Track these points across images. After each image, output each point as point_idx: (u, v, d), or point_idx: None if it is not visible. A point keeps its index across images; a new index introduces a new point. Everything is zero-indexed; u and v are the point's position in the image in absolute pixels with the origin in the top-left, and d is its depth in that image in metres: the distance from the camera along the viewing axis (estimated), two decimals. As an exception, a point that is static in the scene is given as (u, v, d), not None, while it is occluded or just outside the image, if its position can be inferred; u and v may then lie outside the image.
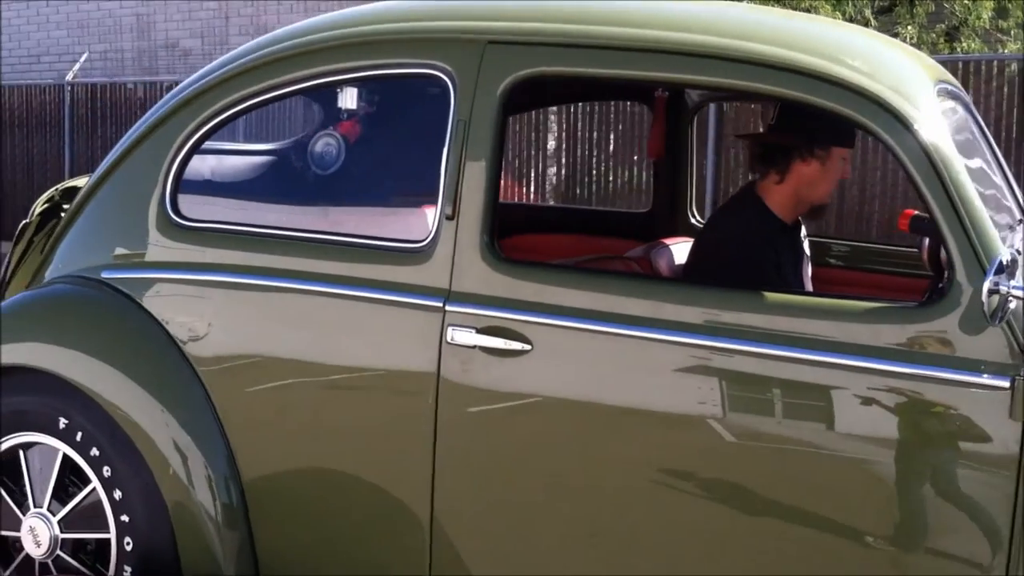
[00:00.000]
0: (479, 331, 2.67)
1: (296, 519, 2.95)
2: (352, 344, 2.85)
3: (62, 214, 3.59)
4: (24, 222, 3.54)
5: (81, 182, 3.78)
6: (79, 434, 3.05)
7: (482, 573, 2.76)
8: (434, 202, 2.76)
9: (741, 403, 2.50)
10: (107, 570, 3.12)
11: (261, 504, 2.97)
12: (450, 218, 2.72)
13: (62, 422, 3.07)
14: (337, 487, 2.89)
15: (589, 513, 2.65)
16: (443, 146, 2.74)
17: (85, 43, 15.42)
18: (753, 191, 3.31)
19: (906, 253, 3.82)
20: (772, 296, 2.52)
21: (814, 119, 3.15)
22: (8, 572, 3.25)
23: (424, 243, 2.76)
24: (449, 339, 2.70)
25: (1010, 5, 10.08)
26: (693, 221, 3.99)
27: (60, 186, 3.72)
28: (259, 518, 2.97)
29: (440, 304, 2.72)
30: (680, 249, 3.71)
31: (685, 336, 2.51)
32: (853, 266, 3.82)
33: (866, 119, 2.45)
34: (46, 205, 3.64)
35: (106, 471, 3.03)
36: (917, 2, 10.33)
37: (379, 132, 3.07)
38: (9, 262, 3.58)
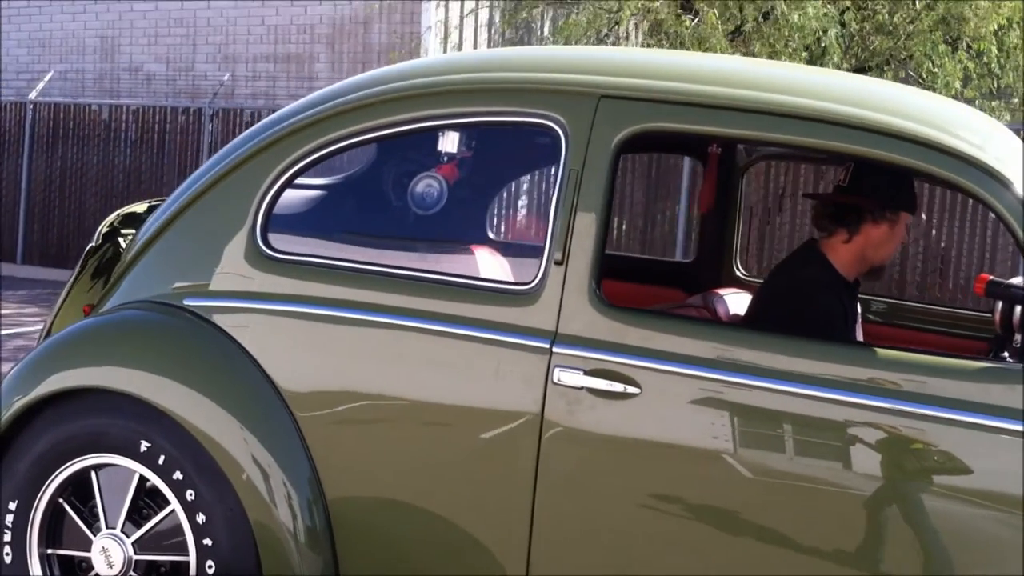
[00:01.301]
0: (587, 373, 2.76)
1: (382, 550, 2.99)
2: (451, 381, 2.91)
3: (119, 239, 3.63)
4: (91, 246, 3.56)
5: (140, 208, 3.81)
6: (161, 458, 3.07)
7: None
8: (541, 247, 2.85)
9: (860, 456, 2.60)
10: (180, 592, 3.14)
11: (347, 532, 3.00)
12: (559, 263, 2.81)
13: (143, 445, 3.08)
14: (428, 521, 2.93)
15: (695, 559, 2.72)
16: (552, 193, 2.84)
17: (46, 61, 15.29)
18: (816, 248, 3.44)
19: (939, 312, 4.02)
20: (886, 352, 2.64)
21: (888, 183, 3.31)
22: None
23: (531, 286, 2.84)
24: (555, 380, 2.78)
25: (975, 75, 10.50)
26: (739, 273, 4.12)
27: (120, 212, 3.74)
28: (345, 546, 3.00)
29: (547, 345, 2.80)
30: (733, 299, 3.84)
31: (799, 387, 2.62)
32: (890, 323, 3.98)
33: (975, 185, 2.60)
34: (107, 230, 3.66)
35: (189, 495, 3.05)
36: (886, 68, 10.70)
37: (484, 177, 3.15)
38: (71, 287, 3.59)
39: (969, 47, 10.64)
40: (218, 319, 3.15)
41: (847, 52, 10.68)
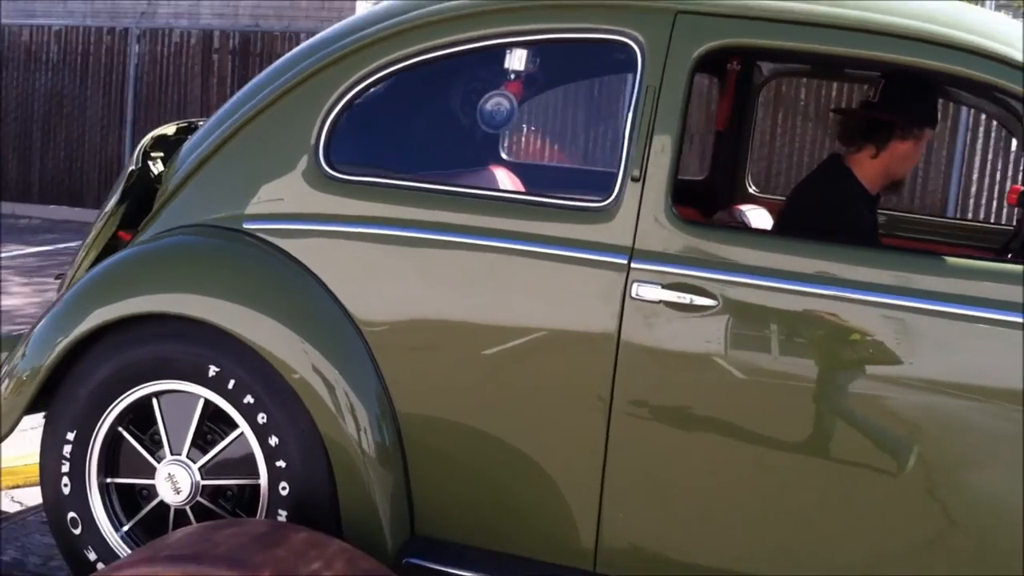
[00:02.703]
0: (664, 287, 2.82)
1: (453, 470, 3.04)
2: (525, 298, 2.94)
3: (150, 163, 3.57)
4: (131, 169, 3.50)
5: (169, 131, 3.75)
6: (231, 382, 3.07)
7: (656, 539, 2.89)
8: (616, 163, 2.89)
9: (936, 362, 2.68)
10: (248, 515, 3.17)
11: (418, 452, 3.05)
12: (636, 180, 2.86)
13: (212, 370, 3.08)
14: (499, 442, 2.98)
15: (772, 470, 2.79)
16: (628, 110, 2.87)
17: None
18: (843, 162, 3.54)
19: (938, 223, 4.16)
20: (954, 261, 2.75)
21: (919, 100, 3.42)
22: (139, 517, 3.25)
23: (607, 203, 2.88)
24: (634, 294, 2.84)
25: None
26: (751, 190, 4.22)
27: (151, 134, 3.68)
28: (416, 466, 3.06)
29: (624, 261, 2.85)
30: (754, 215, 3.94)
31: (876, 296, 2.71)
32: (890, 234, 4.11)
33: None
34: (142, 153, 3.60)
35: (260, 418, 3.06)
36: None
37: (556, 94, 3.15)
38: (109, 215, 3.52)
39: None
40: (280, 242, 3.14)
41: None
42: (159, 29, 12.74)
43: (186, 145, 3.46)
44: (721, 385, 2.82)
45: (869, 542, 2.75)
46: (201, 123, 3.89)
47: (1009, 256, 3.30)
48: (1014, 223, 2.92)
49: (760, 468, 2.81)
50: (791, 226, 3.54)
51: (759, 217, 3.96)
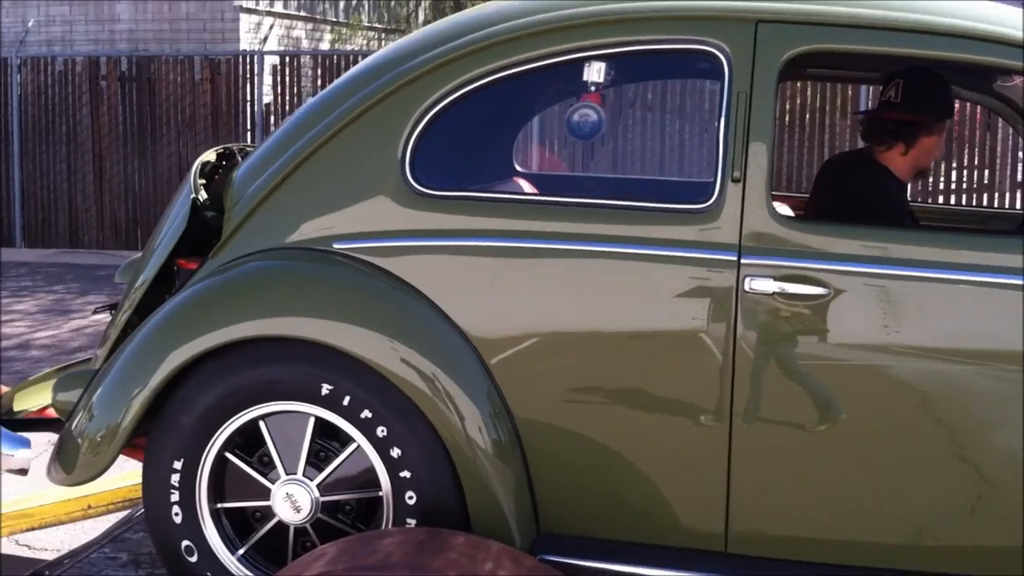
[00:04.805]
0: (776, 279, 3.01)
1: (575, 467, 3.15)
2: (635, 299, 3.08)
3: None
4: (192, 196, 3.51)
5: (211, 156, 3.77)
6: (346, 399, 3.14)
7: (785, 516, 3.05)
8: (714, 166, 3.08)
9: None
10: (367, 529, 3.24)
11: (537, 453, 3.16)
12: (736, 181, 3.05)
13: (325, 388, 3.14)
14: (621, 436, 3.11)
15: (891, 450, 2.98)
16: (720, 115, 3.06)
17: None
18: (877, 160, 3.79)
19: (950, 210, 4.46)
20: None
21: (941, 96, 3.71)
22: (255, 539, 3.28)
23: (709, 204, 3.06)
24: (747, 289, 3.02)
25: None
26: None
27: (199, 160, 3.69)
28: (537, 465, 3.16)
29: (734, 258, 3.04)
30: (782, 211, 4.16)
31: (993, 276, 2.93)
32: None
33: None
34: (203, 182, 3.63)
35: (380, 431, 3.14)
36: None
37: (642, 104, 3.30)
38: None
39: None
40: (376, 260, 3.22)
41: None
42: (40, 57, 12.38)
43: (241, 171, 3.49)
44: (838, 368, 3.01)
45: (1007, 520, 2.95)
46: (249, 148, 3.93)
47: None
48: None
49: (880, 449, 3.00)
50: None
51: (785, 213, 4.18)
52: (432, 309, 3.18)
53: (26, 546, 4.31)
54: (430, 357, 3.14)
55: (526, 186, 3.23)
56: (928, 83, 3.69)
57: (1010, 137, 10.67)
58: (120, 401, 3.27)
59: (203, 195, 3.56)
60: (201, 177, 3.63)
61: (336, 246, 3.27)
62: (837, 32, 3.06)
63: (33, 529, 4.42)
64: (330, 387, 3.15)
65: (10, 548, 4.26)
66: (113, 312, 3.84)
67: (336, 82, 3.49)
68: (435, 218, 3.20)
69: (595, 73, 3.19)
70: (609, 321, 3.11)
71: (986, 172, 10.82)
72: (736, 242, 3.05)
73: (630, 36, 3.15)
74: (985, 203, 10.69)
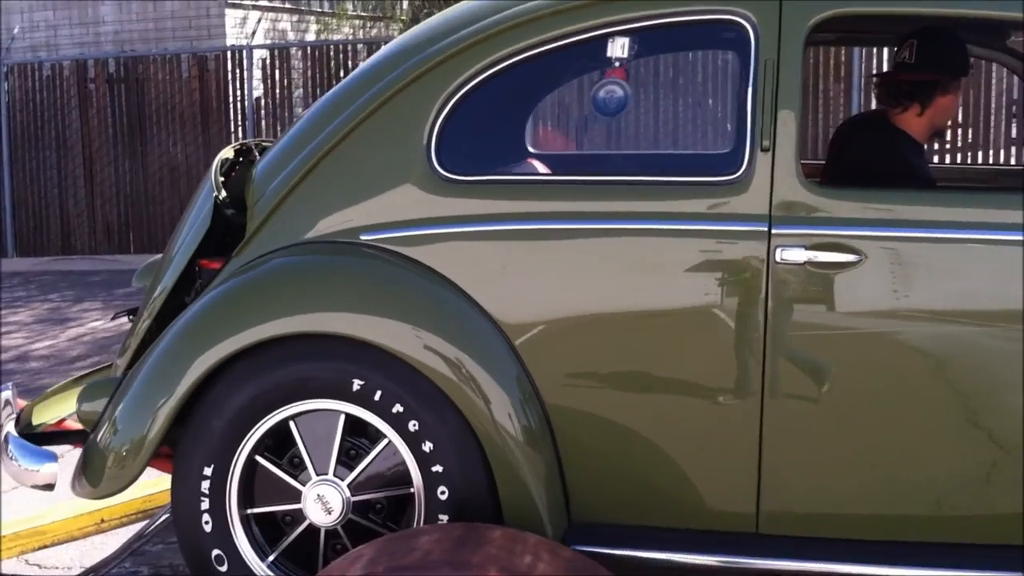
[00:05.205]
0: (808, 248, 2.94)
1: (606, 452, 3.08)
2: (666, 276, 3.01)
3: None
4: (215, 195, 3.43)
5: (229, 153, 3.68)
6: (377, 394, 3.05)
7: (817, 494, 2.99)
8: (743, 136, 2.99)
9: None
10: (398, 527, 3.17)
11: (567, 439, 3.09)
12: (766, 150, 2.96)
13: (356, 384, 3.06)
14: (653, 417, 3.04)
15: (932, 425, 2.92)
16: (747, 85, 2.97)
17: None
18: (892, 122, 3.71)
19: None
20: None
21: (954, 54, 3.62)
22: (286, 544, 3.21)
23: (739, 174, 2.98)
24: (778, 259, 2.94)
25: None
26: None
27: (218, 158, 3.61)
28: (567, 452, 3.09)
29: (765, 228, 2.96)
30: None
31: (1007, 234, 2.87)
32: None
33: None
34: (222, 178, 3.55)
35: (412, 426, 3.06)
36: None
37: (669, 76, 3.21)
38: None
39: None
40: (403, 249, 3.14)
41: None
42: (28, 63, 12.25)
43: (261, 166, 3.40)
44: (872, 336, 2.94)
45: None
46: (267, 143, 3.84)
47: None
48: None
49: (917, 418, 2.93)
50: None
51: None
52: (462, 297, 3.10)
53: (36, 565, 4.21)
54: (460, 346, 3.06)
55: (548, 167, 3.14)
56: (941, 42, 3.61)
57: (994, 95, 10.60)
58: (145, 412, 3.18)
59: (223, 193, 3.47)
60: (220, 175, 3.54)
61: (363, 237, 3.19)
62: None
63: (45, 547, 4.34)
64: (361, 382, 3.06)
65: (20, 568, 4.16)
66: (132, 318, 3.76)
67: (356, 71, 3.41)
68: (463, 204, 3.12)
69: (620, 49, 3.11)
70: (638, 299, 3.04)
71: (970, 131, 10.71)
72: (767, 212, 2.97)
73: (654, 10, 3.07)
74: (980, 161, 10.61)
